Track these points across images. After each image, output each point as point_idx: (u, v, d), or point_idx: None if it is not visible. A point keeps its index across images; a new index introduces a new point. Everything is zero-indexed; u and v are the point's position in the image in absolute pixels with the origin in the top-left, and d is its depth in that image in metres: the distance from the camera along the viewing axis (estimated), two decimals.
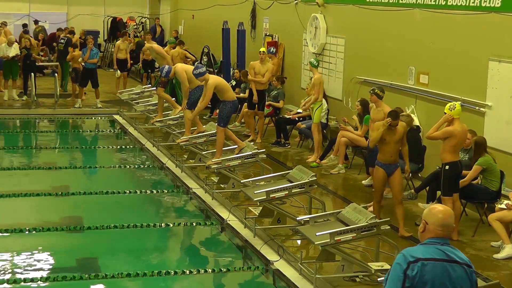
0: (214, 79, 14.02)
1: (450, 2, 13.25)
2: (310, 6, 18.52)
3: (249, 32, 22.23)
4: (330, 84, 17.17)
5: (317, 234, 9.11)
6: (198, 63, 17.67)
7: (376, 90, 12.44)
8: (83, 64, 21.65)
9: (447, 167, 10.58)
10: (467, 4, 12.82)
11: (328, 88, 17.00)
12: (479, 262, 9.85)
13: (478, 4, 12.53)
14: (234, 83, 20.01)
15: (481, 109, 12.34)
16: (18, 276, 9.73)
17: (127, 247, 11.14)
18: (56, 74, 22.45)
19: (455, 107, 10.60)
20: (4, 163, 15.67)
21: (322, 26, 17.84)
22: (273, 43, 20.58)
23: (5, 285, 9.47)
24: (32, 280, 9.60)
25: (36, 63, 23.53)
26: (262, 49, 17.50)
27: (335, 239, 9.05)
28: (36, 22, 29.74)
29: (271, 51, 19.22)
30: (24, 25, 28.45)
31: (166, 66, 15.93)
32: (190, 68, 15.39)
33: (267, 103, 17.82)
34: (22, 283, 9.53)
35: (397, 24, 15.01)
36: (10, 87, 22.57)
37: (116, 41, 29.54)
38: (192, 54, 23.35)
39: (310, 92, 16.07)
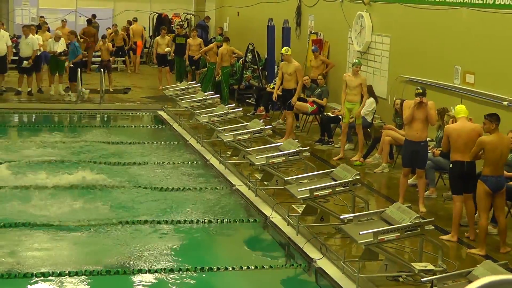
0: None
1: (498, 1, 13.11)
2: (356, 4, 18.46)
3: (294, 30, 22.22)
4: (374, 83, 17.08)
5: (360, 233, 9.07)
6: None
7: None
8: None
9: (451, 165, 10.71)
10: None
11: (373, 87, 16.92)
12: None
13: None
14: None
15: None
16: (64, 269, 9.83)
17: (169, 243, 11.17)
18: (101, 70, 22.65)
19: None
20: (48, 156, 15.79)
21: (367, 25, 17.78)
22: (318, 41, 20.54)
23: (50, 277, 9.60)
24: (76, 273, 9.72)
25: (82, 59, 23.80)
26: (283, 50, 17.28)
27: (379, 238, 9.00)
28: (94, 16, 30.11)
29: (315, 49, 19.30)
30: (89, 21, 28.85)
31: None
32: None
33: (311, 99, 17.82)
34: (67, 277, 9.65)
35: (443, 23, 14.88)
36: (56, 82, 22.85)
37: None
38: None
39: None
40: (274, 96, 17.32)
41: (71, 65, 21.82)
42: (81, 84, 21.61)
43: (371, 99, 15.68)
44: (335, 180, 11.17)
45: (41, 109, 21.23)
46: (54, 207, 12.42)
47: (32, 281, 9.60)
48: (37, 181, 13.76)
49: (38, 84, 22.72)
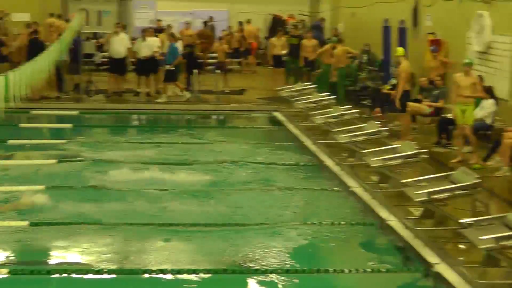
0: None
1: None
2: (475, 3, 18.01)
3: (411, 30, 21.88)
4: (495, 84, 16.61)
5: (481, 238, 8.87)
6: None
7: None
8: None
9: None
10: None
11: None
12: None
13: None
14: (394, 82, 19.72)
15: None
16: (182, 267, 9.99)
17: (284, 244, 11.15)
18: (217, 71, 22.87)
19: None
20: (161, 157, 16.04)
21: (487, 24, 17.32)
22: (436, 41, 20.16)
23: (169, 274, 9.76)
24: (193, 271, 9.84)
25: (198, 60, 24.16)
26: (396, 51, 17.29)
27: (501, 244, 8.76)
28: (210, 18, 30.65)
29: (434, 50, 19.02)
30: (205, 23, 29.38)
31: None
32: None
33: (427, 101, 17.55)
34: (185, 274, 9.78)
35: None
36: (173, 83, 23.22)
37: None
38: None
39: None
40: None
41: (172, 68, 22.10)
42: (193, 86, 21.91)
43: (491, 100, 15.30)
44: (454, 183, 10.94)
45: (158, 109, 21.62)
46: (172, 207, 12.61)
47: (149, 277, 9.76)
48: (155, 181, 13.99)
49: (156, 85, 23.14)
